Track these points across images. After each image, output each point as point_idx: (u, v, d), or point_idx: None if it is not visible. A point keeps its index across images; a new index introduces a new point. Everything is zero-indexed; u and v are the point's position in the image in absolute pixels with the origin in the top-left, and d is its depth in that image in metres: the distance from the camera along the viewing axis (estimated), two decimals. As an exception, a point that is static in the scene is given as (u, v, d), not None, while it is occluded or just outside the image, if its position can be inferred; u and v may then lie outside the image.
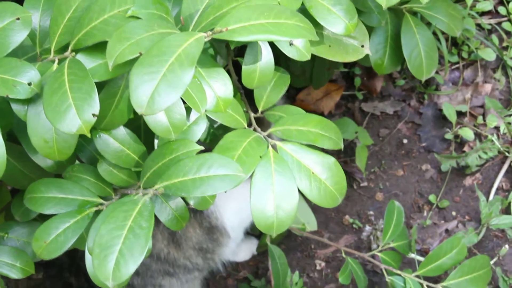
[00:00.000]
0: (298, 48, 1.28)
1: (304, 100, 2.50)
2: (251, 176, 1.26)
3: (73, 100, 1.06)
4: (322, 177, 1.30)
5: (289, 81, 1.42)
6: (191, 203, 1.27)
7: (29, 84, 1.09)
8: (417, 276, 1.92)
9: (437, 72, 2.52)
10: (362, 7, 1.66)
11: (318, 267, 2.28)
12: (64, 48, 1.16)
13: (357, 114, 2.51)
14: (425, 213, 2.33)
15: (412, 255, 2.11)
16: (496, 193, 2.31)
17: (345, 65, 2.58)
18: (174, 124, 1.18)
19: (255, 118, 1.41)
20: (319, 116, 1.36)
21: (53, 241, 1.19)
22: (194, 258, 1.90)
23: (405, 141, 2.47)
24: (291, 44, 1.28)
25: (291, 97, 2.53)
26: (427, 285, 1.91)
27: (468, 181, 2.36)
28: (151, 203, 1.13)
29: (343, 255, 2.01)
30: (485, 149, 2.32)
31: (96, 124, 1.21)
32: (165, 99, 1.03)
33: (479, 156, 2.32)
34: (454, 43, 2.56)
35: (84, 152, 1.30)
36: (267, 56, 1.29)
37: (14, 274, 1.36)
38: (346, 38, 1.37)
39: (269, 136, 1.34)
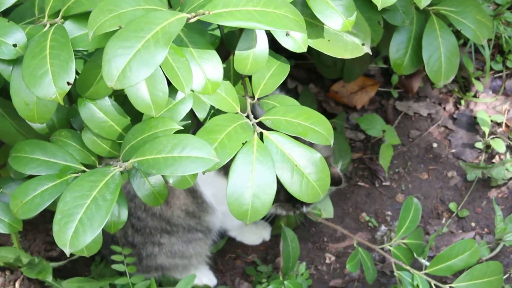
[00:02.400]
0: (295, 39, 1.27)
1: (338, 92, 2.47)
2: (231, 161, 1.27)
3: (50, 66, 1.08)
4: (306, 171, 1.29)
5: (288, 71, 1.40)
6: (170, 181, 1.28)
7: (14, 45, 1.11)
8: (426, 275, 1.90)
9: (478, 79, 2.46)
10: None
11: (327, 261, 2.27)
12: (57, 14, 1.18)
13: (389, 112, 2.47)
14: (443, 221, 2.28)
15: (422, 260, 2.08)
16: (520, 209, 2.25)
17: (385, 61, 2.54)
18: (156, 101, 1.19)
19: (252, 104, 1.40)
20: (312, 110, 1.34)
21: (29, 202, 1.22)
22: (185, 220, 1.91)
23: (434, 145, 2.42)
24: (287, 34, 1.26)
25: (325, 87, 2.51)
26: (435, 284, 1.88)
27: (493, 193, 2.30)
28: (120, 177, 1.14)
29: (355, 244, 1.99)
30: (515, 163, 2.26)
31: (81, 93, 1.23)
32: (136, 75, 1.04)
33: (507, 170, 2.26)
34: (500, 51, 2.49)
35: (77, 118, 1.32)
36: (262, 43, 1.28)
37: (1, 229, 1.39)
38: (347, 34, 1.35)
39: (260, 124, 1.33)
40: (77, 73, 1.18)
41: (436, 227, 2.26)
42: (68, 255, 1.09)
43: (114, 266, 1.99)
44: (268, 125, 1.32)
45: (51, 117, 1.24)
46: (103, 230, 1.98)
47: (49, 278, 2.06)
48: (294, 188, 1.29)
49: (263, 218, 2.23)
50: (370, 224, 2.30)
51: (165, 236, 1.93)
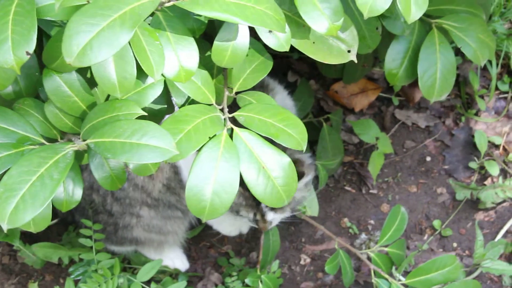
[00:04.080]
0: (277, 37, 1.22)
1: (338, 92, 2.42)
2: (196, 154, 1.22)
3: (11, 32, 1.03)
4: (273, 174, 1.24)
5: (270, 68, 1.35)
6: (130, 166, 1.24)
7: (-21, 7, 1.06)
8: (404, 286, 1.87)
9: (482, 97, 2.40)
10: (387, 11, 1.56)
11: (302, 262, 2.23)
12: (27, -21, 1.13)
13: (387, 119, 2.42)
14: (425, 237, 2.23)
15: (398, 274, 2.03)
16: (505, 235, 2.19)
17: (390, 66, 2.48)
18: (122, 82, 1.14)
19: (230, 98, 1.35)
20: (288, 112, 1.29)
21: (-21, 169, 1.18)
22: (165, 195, 1.88)
23: (428, 158, 2.36)
24: (270, 31, 1.21)
25: (325, 85, 2.46)
26: (412, 296, 1.85)
27: (479, 216, 2.25)
28: (72, 156, 1.10)
29: (336, 246, 1.94)
30: (506, 188, 2.20)
31: (47, 63, 1.19)
32: (96, 55, 0.99)
33: (496, 194, 2.20)
34: (509, 71, 2.43)
35: (44, 89, 1.27)
36: (243, 36, 1.23)
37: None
38: (333, 39, 1.29)
39: (233, 120, 1.28)
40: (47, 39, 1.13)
41: (417, 242, 2.21)
42: (4, 230, 1.05)
43: (81, 240, 1.96)
44: (241, 122, 1.27)
45: (18, 82, 1.20)
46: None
47: (16, 242, 2.04)
48: (258, 190, 1.24)
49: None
50: (350, 230, 2.26)
51: (145, 208, 1.90)
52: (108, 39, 0.99)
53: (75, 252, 2.06)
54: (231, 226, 2.24)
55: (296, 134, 1.27)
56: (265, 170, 1.24)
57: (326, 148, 2.20)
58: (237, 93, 1.36)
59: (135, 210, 1.91)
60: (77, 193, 1.24)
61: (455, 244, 2.21)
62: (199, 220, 2.17)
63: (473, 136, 2.35)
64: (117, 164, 1.25)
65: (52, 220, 2.21)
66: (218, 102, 1.33)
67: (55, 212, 2.21)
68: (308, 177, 1.80)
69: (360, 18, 1.48)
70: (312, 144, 2.23)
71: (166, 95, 1.36)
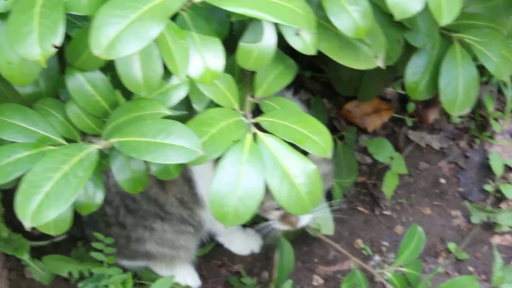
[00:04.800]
0: (304, 40, 1.20)
1: (351, 111, 2.40)
2: (219, 157, 1.20)
3: (38, 25, 1.01)
4: (297, 181, 1.22)
5: (295, 74, 1.33)
6: (153, 169, 1.21)
7: (6, -1, 1.05)
8: None
9: (496, 120, 2.38)
10: (408, 23, 1.56)
11: (315, 283, 2.18)
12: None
13: (401, 140, 2.39)
14: (440, 260, 2.19)
15: (411, 297, 1.99)
16: (522, 259, 2.16)
17: (403, 87, 2.46)
18: (148, 81, 1.12)
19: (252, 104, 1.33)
20: (313, 118, 1.27)
21: (0, 168, 1.15)
22: (178, 209, 1.84)
23: (442, 180, 2.33)
24: (297, 33, 1.19)
25: (338, 105, 2.44)
26: (428, 319, 1.80)
27: (496, 239, 2.21)
28: (97, 155, 1.07)
29: (352, 265, 1.90)
30: (522, 211, 2.17)
31: (71, 61, 1.17)
32: (125, 47, 0.97)
33: (513, 217, 2.17)
34: (525, 93, 2.41)
35: (66, 90, 1.24)
36: (270, 38, 1.21)
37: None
38: (360, 44, 1.27)
39: (257, 125, 1.26)
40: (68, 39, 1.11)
41: (432, 265, 2.17)
42: (28, 229, 1.02)
43: (93, 254, 1.92)
44: (265, 127, 1.25)
45: (38, 83, 1.18)
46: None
47: (25, 256, 2.00)
48: (281, 197, 1.22)
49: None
50: (364, 251, 2.22)
51: (158, 221, 1.87)
52: (138, 31, 0.97)
53: (85, 267, 2.02)
54: (242, 244, 2.21)
55: (321, 141, 1.24)
56: (289, 177, 1.21)
57: (340, 166, 2.17)
58: (260, 98, 1.33)
59: (148, 223, 1.87)
60: (98, 196, 1.21)
61: (471, 268, 2.17)
62: (210, 238, 2.14)
63: (487, 159, 2.32)
64: (139, 166, 1.22)
65: (61, 235, 2.22)
66: (241, 108, 1.31)
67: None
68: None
69: (379, 26, 1.46)
70: (326, 163, 2.20)
71: (186, 102, 1.34)
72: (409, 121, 2.42)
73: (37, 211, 1.01)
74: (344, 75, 2.14)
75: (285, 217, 1.72)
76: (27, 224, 1.01)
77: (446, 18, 1.18)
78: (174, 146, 1.06)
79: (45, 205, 1.01)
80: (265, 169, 1.20)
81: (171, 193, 1.81)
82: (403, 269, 1.90)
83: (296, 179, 1.21)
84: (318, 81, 2.46)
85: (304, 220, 1.73)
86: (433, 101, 2.42)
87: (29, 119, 1.19)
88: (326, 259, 2.21)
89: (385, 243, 2.23)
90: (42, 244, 2.18)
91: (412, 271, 1.91)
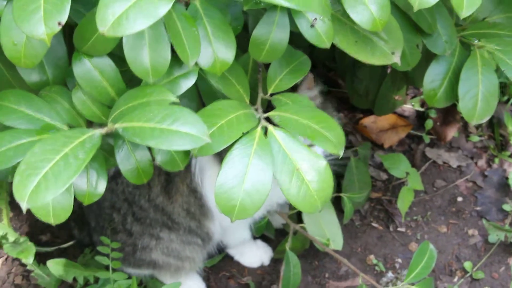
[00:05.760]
0: (319, 33, 1.16)
1: (367, 127, 2.36)
2: (227, 151, 1.16)
3: (44, 2, 0.98)
4: (307, 177, 1.18)
5: (308, 69, 1.30)
6: (158, 158, 1.18)
7: (12, -24, 1.02)
8: None
9: (516, 139, 2.33)
10: (428, 28, 1.53)
11: (325, 298, 2.13)
12: None
13: (417, 157, 2.35)
14: (455, 279, 2.13)
15: (425, 317, 1.93)
16: (539, 282, 2.09)
17: (422, 104, 2.43)
18: (155, 66, 1.09)
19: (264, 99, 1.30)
20: (326, 114, 1.23)
21: (1, 153, 1.11)
22: (185, 219, 1.81)
23: (459, 199, 2.28)
24: (312, 25, 1.16)
25: (354, 120, 2.40)
26: None
27: (513, 260, 2.15)
28: (99, 139, 1.04)
29: (360, 281, 1.84)
30: (542, 232, 2.11)
31: (78, 46, 1.14)
32: (132, 24, 0.94)
33: (532, 237, 2.11)
34: (547, 113, 2.36)
35: (73, 79, 1.22)
36: (282, 30, 1.17)
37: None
38: (377, 39, 1.24)
39: (267, 120, 1.22)
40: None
41: (446, 284, 2.11)
42: (24, 211, 0.98)
43: (98, 258, 1.88)
44: (276, 122, 1.21)
45: (45, 71, 1.15)
46: (97, 214, 1.89)
47: (30, 260, 1.96)
48: (290, 193, 1.17)
49: (269, 237, 2.12)
50: (376, 268, 2.16)
51: (165, 230, 1.83)
52: (145, 9, 0.94)
53: (91, 273, 1.98)
54: (253, 257, 2.16)
55: (333, 137, 1.20)
56: (299, 173, 1.17)
57: (352, 182, 2.13)
58: (271, 94, 1.30)
59: (155, 232, 1.84)
60: (101, 185, 1.18)
61: (486, 288, 2.11)
62: (218, 249, 2.09)
63: (507, 178, 2.27)
64: (144, 156, 1.19)
65: (68, 241, 2.19)
66: (252, 104, 1.27)
67: (71, 234, 2.17)
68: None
69: (397, 23, 1.43)
70: (338, 178, 2.16)
71: (197, 98, 1.31)
72: (427, 138, 2.38)
73: (35, 192, 0.97)
74: (361, 88, 2.10)
75: None
76: (24, 206, 0.97)
77: (466, 10, 1.14)
78: (180, 132, 1.02)
79: (43, 186, 0.97)
80: (274, 164, 1.16)
81: (177, 204, 1.78)
82: (414, 287, 1.84)
83: (306, 175, 1.17)
84: (334, 96, 2.43)
85: None
86: (451, 119, 2.38)
87: (34, 105, 1.16)
88: (338, 274, 2.16)
89: (399, 260, 2.17)
90: (48, 250, 2.15)
91: (423, 290, 1.85)
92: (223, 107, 1.18)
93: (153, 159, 1.20)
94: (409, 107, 2.40)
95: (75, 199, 2.08)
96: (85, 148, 1.01)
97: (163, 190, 1.76)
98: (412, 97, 2.41)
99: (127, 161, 1.18)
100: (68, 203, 1.13)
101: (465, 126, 2.40)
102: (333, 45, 2.08)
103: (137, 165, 1.19)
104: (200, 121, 1.04)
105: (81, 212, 2.06)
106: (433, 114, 2.39)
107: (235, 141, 1.15)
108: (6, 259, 2.18)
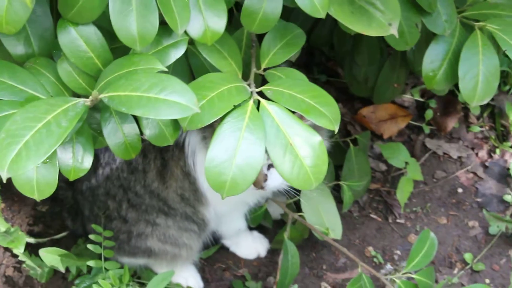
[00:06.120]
0: (313, 2, 1.12)
1: (366, 117, 2.31)
2: (219, 124, 1.12)
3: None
4: (301, 153, 1.13)
5: (303, 43, 1.26)
6: (146, 133, 1.13)
7: None
8: None
9: (518, 130, 2.29)
10: (428, 7, 1.49)
11: (322, 291, 2.08)
12: None
13: (417, 148, 2.30)
14: (455, 271, 2.08)
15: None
16: (541, 273, 2.05)
17: (422, 94, 2.38)
18: (143, 34, 1.05)
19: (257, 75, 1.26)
20: (321, 89, 1.19)
21: (-17, 125, 1.07)
22: (180, 205, 1.77)
23: (459, 190, 2.24)
24: (306, -7, 1.12)
25: (353, 110, 2.35)
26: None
27: (514, 251, 2.11)
28: (84, 108, 1.00)
29: (359, 270, 1.79)
30: (543, 223, 2.07)
31: (64, 13, 1.10)
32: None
33: (534, 229, 2.06)
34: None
35: (60, 51, 1.18)
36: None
37: None
38: (373, 9, 1.19)
39: (261, 94, 1.18)
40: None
41: (446, 276, 2.06)
42: (4, 180, 0.94)
43: (90, 246, 1.83)
44: (269, 96, 1.17)
45: (31, 44, 1.11)
46: (91, 202, 1.85)
47: (21, 249, 1.91)
48: (284, 169, 1.13)
49: (267, 227, 2.07)
50: (375, 260, 2.12)
51: (162, 216, 1.79)
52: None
53: (83, 263, 1.94)
54: (248, 248, 2.12)
55: (328, 113, 1.16)
56: (293, 148, 1.13)
57: (352, 171, 2.09)
58: (265, 69, 1.26)
59: (151, 218, 1.79)
60: (87, 160, 1.13)
61: (487, 280, 2.06)
62: (215, 240, 2.05)
63: (508, 169, 2.23)
64: (132, 130, 1.15)
65: (61, 232, 2.14)
66: (245, 79, 1.23)
67: (65, 225, 2.13)
68: None
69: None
70: (338, 168, 2.12)
71: (188, 73, 1.27)
72: (427, 129, 2.33)
73: (15, 161, 0.93)
74: (360, 74, 2.06)
75: None
76: (4, 175, 0.93)
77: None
78: (168, 101, 0.98)
79: (23, 155, 0.93)
80: (267, 138, 1.12)
81: (172, 189, 1.74)
82: (414, 276, 1.80)
83: (300, 150, 1.13)
84: (333, 86, 2.38)
85: (271, 183, 1.57)
86: (452, 109, 2.34)
87: (18, 77, 1.12)
88: (335, 266, 2.12)
89: (398, 252, 2.13)
90: (41, 241, 2.10)
91: (424, 279, 1.80)
92: (214, 79, 1.14)
93: (142, 133, 1.16)
94: (409, 97, 2.36)
95: (66, 188, 2.07)
96: (68, 116, 0.96)
97: (158, 175, 1.72)
98: (412, 87, 2.36)
99: (114, 135, 1.14)
100: (53, 177, 1.09)
101: (465, 116, 2.36)
102: (331, 31, 2.07)
103: (125, 140, 1.15)
104: (189, 90, 1.00)
105: (74, 202, 2.02)
106: (433, 104, 2.34)
107: (226, 114, 1.11)
108: (-4, 250, 2.14)
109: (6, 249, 2.11)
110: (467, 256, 2.09)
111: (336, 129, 1.17)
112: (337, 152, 2.12)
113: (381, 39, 2.00)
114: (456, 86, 2.31)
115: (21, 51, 1.18)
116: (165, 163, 1.70)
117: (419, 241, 1.79)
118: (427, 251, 1.79)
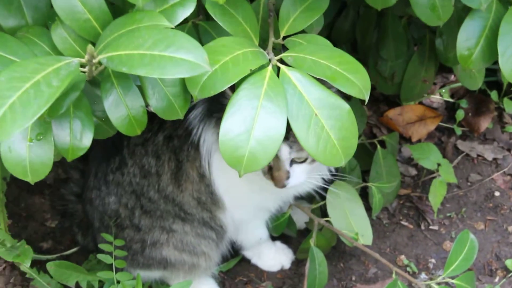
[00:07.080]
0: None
1: (393, 119, 2.18)
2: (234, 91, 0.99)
3: None
4: (327, 124, 1.00)
5: (326, 6, 1.12)
6: (153, 105, 1.00)
7: None
8: None
9: (557, 130, 2.14)
10: (461, -21, 1.36)
11: (352, 303, 1.93)
12: None
13: (449, 150, 2.16)
14: (496, 279, 1.92)
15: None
16: None
17: (452, 94, 2.25)
18: (146, -16, 0.92)
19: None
20: (348, 55, 1.06)
21: (-29, 97, 0.95)
22: (197, 209, 1.64)
23: (497, 193, 2.08)
24: None
25: (378, 112, 2.22)
26: None
27: (560, 257, 1.95)
28: (77, 68, 0.87)
29: (394, 275, 1.64)
30: None
31: (57, -31, 0.98)
32: None
33: None
34: None
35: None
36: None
37: None
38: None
39: (280, 62, 1.05)
40: None
41: (486, 284, 1.90)
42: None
43: (100, 256, 1.70)
44: (289, 63, 1.04)
45: (24, 15, 1.02)
46: (101, 211, 1.72)
47: (27, 263, 1.78)
48: (309, 142, 1.00)
49: (291, 237, 1.92)
50: (408, 269, 1.96)
51: (179, 222, 1.66)
52: None
53: (94, 277, 1.80)
54: (271, 260, 1.98)
55: (357, 80, 1.03)
56: (318, 118, 1.00)
57: (380, 174, 1.94)
58: (284, 38, 1.13)
59: (167, 224, 1.66)
60: (86, 137, 1.01)
61: (531, 288, 1.90)
62: (235, 251, 1.91)
63: (548, 170, 2.08)
64: (136, 102, 1.02)
65: (71, 248, 2.01)
66: (263, 48, 1.10)
67: (75, 240, 2.00)
68: None
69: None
70: (364, 174, 1.98)
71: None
72: (458, 130, 2.19)
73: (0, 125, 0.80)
74: (386, 69, 1.93)
75: (270, 170, 1.43)
76: (-13, 141, 0.81)
77: None
78: (175, 58, 0.86)
79: (9, 118, 0.81)
80: (288, 109, 0.98)
81: (188, 192, 1.61)
82: (453, 281, 1.64)
83: (326, 121, 0.99)
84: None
85: (292, 181, 1.44)
86: (484, 109, 2.20)
87: (8, 47, 1.00)
88: (365, 276, 1.96)
89: (432, 260, 1.98)
90: (50, 258, 1.97)
91: (464, 284, 1.64)
92: (228, 43, 1.01)
93: (147, 105, 1.03)
94: (438, 97, 2.22)
95: (75, 202, 1.94)
96: (60, 75, 0.84)
97: (173, 177, 1.59)
98: (441, 87, 2.23)
99: (116, 109, 1.01)
100: (47, 156, 0.96)
101: (499, 116, 2.22)
102: (353, 25, 1.94)
103: (129, 113, 1.01)
104: (198, 46, 0.88)
105: (84, 215, 1.90)
106: (464, 104, 2.21)
107: (242, 81, 0.98)
108: (4, 268, 2.01)
109: (14, 267, 1.99)
110: (509, 263, 1.93)
111: (367, 99, 1.04)
112: (364, 156, 1.98)
113: (407, 29, 1.88)
114: (488, 84, 2.18)
115: (13, 23, 1.07)
116: (180, 164, 1.58)
117: (457, 243, 1.63)
118: (467, 254, 1.63)
